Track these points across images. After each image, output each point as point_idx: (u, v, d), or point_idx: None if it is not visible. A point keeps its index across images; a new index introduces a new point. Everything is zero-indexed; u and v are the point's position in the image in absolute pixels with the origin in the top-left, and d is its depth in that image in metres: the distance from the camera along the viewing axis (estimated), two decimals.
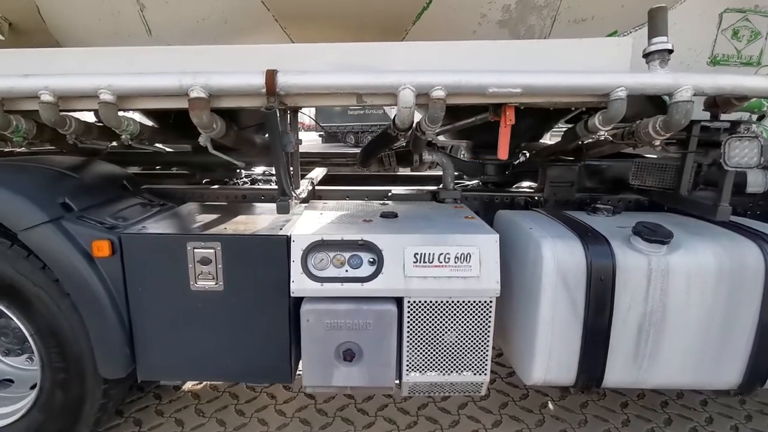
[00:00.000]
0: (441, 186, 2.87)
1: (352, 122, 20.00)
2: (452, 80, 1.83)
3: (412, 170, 3.28)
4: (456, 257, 1.99)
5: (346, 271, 2.02)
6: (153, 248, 2.06)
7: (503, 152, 2.03)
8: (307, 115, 14.47)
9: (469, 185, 3.37)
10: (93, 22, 2.38)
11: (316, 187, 3.03)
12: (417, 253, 1.99)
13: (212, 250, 2.04)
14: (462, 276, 1.99)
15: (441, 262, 1.99)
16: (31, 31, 2.62)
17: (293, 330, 2.12)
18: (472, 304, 2.02)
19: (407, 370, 2.10)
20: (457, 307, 2.02)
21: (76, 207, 2.13)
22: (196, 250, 2.04)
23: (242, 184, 3.53)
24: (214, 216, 2.37)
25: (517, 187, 3.26)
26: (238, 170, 3.57)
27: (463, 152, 3.61)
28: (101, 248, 2.01)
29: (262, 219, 2.33)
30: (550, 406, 2.93)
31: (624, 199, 2.89)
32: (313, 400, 2.98)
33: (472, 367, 2.10)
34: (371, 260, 2.03)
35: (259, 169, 3.88)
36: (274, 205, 2.65)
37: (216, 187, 3.17)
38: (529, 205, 2.87)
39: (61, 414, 2.20)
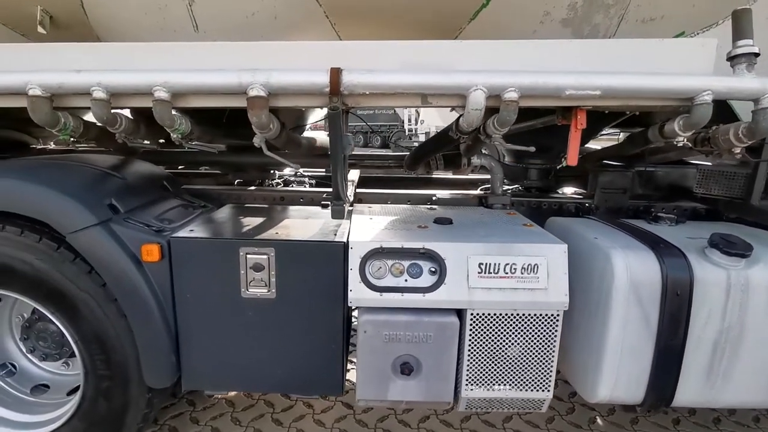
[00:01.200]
0: (489, 190, 2.76)
1: (360, 122, 19.85)
2: (529, 81, 1.73)
3: (453, 174, 3.18)
4: (523, 268, 1.89)
5: (406, 280, 1.93)
6: (203, 253, 1.97)
7: (573, 157, 1.93)
8: None
9: (509, 190, 3.27)
10: (139, 16, 2.30)
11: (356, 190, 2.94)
12: (482, 263, 1.89)
13: (265, 256, 1.95)
14: (529, 288, 1.89)
15: (507, 273, 1.89)
16: (71, 25, 2.54)
17: (345, 341, 2.03)
18: (538, 318, 1.91)
19: (466, 384, 2.00)
20: (523, 320, 1.92)
21: (121, 209, 2.05)
22: (248, 256, 1.95)
23: (275, 186, 3.44)
24: (259, 219, 2.28)
25: (561, 193, 3.16)
26: (271, 171, 3.49)
27: (503, 155, 3.50)
28: (151, 252, 1.92)
29: (310, 223, 2.24)
30: (599, 421, 2.82)
31: (679, 207, 2.77)
32: (351, 410, 2.88)
33: (535, 383, 2.00)
34: (432, 269, 1.93)
35: (283, 169, 3.80)
36: (317, 209, 2.58)
37: (252, 188, 3.08)
38: (580, 212, 2.76)
39: (103, 423, 2.12)
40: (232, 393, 3.04)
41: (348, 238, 1.94)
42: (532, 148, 2.18)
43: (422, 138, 18.09)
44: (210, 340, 2.06)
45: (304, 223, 2.25)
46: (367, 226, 2.14)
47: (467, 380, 1.99)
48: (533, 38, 2.15)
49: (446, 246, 1.91)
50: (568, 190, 3.23)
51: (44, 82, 1.80)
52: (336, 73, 1.74)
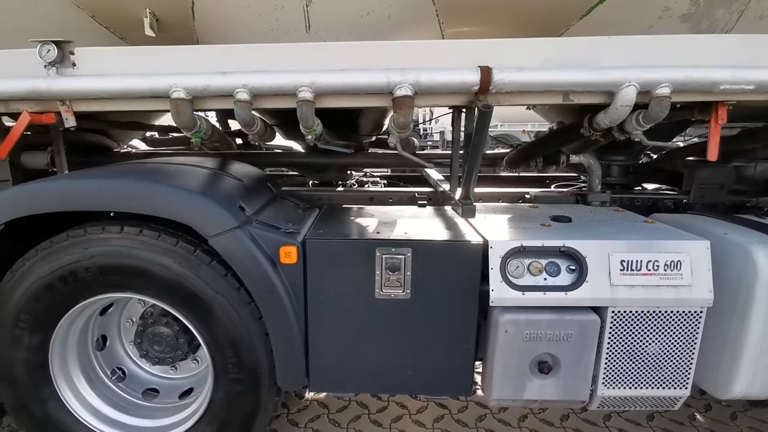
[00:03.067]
0: (586, 188, 2.74)
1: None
2: (683, 76, 1.71)
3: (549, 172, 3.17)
4: (666, 264, 1.88)
5: (545, 279, 1.91)
6: (339, 254, 1.96)
7: (713, 153, 1.91)
8: None
9: (584, 185, 3.27)
10: (252, 17, 2.29)
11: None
12: (624, 260, 1.88)
13: (402, 257, 1.94)
14: (672, 285, 1.87)
15: (649, 270, 1.88)
16: (173, 28, 2.53)
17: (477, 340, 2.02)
18: (681, 315, 1.90)
19: (603, 383, 1.98)
20: (665, 317, 1.90)
21: (248, 211, 2.04)
22: (385, 257, 1.94)
23: (351, 186, 3.44)
24: (373, 220, 2.26)
25: (641, 189, 3.14)
26: (348, 172, 3.48)
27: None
28: (289, 254, 1.91)
29: (429, 222, 2.22)
30: (699, 418, 2.80)
31: None
32: (447, 410, 2.87)
33: (672, 380, 1.99)
34: (571, 268, 1.92)
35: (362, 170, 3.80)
36: (420, 209, 2.57)
37: (341, 189, 3.07)
38: (679, 208, 2.75)
39: (231, 427, 2.10)
40: (322, 394, 3.03)
41: (487, 237, 1.93)
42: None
43: (437, 137, 18.05)
44: (340, 341, 2.05)
45: (421, 223, 2.24)
46: (491, 225, 2.12)
47: (604, 379, 1.98)
48: (648, 34, 2.14)
49: (587, 244, 1.90)
50: (651, 187, 3.22)
51: (189, 84, 1.80)
52: (487, 72, 1.73)
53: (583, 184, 3.41)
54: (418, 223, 2.21)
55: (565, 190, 2.89)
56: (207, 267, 1.93)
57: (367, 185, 3.48)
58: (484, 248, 1.92)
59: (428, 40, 1.89)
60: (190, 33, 2.53)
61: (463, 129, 2.14)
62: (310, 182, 3.47)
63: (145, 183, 1.87)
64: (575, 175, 3.52)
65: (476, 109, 1.75)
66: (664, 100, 1.74)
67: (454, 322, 2.00)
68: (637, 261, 1.88)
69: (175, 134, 3.62)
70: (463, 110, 2.10)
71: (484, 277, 1.93)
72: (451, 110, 2.21)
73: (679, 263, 1.87)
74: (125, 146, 3.70)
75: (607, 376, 1.97)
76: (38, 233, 1.97)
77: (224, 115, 3.50)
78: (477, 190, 2.97)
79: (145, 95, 1.84)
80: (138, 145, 4.21)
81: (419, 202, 2.78)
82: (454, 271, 1.95)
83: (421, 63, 1.83)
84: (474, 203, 2.03)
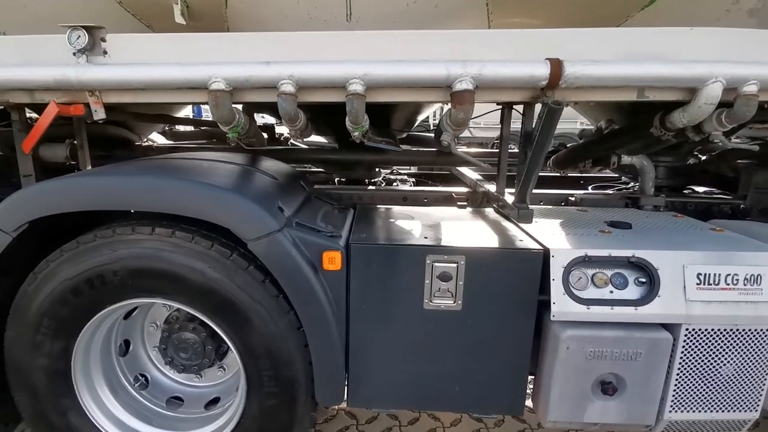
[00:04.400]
0: (637, 190, 2.58)
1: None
2: None
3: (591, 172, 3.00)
4: (745, 279, 1.72)
5: (611, 292, 1.76)
6: (386, 261, 1.81)
7: None
8: None
9: (631, 188, 3.10)
10: (290, 5, 2.14)
11: None
12: (701, 274, 1.72)
13: (454, 265, 1.79)
14: (752, 300, 1.71)
15: (728, 285, 1.72)
16: (203, 15, 2.38)
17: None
18: (759, 333, 1.74)
19: (671, 406, 1.82)
20: (743, 335, 1.74)
21: (287, 212, 1.89)
22: (435, 264, 1.79)
23: (380, 185, 3.28)
24: (415, 223, 2.11)
25: (690, 191, 2.97)
26: (376, 169, 3.32)
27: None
28: (333, 260, 1.77)
29: (476, 227, 2.07)
30: None
31: None
32: (483, 424, 2.72)
33: (743, 403, 1.83)
34: (640, 280, 1.76)
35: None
36: (459, 210, 2.42)
37: (372, 188, 2.92)
38: (737, 214, 2.58)
39: None
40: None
41: (547, 245, 1.77)
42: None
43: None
44: (382, 354, 1.90)
45: (468, 227, 2.08)
46: (545, 231, 1.97)
47: (673, 402, 1.82)
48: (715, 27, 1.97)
49: (659, 254, 1.74)
50: (701, 189, 3.04)
51: (230, 75, 1.65)
52: (557, 65, 1.57)
53: (623, 186, 3.25)
54: (465, 228, 2.05)
55: (611, 192, 2.72)
56: (243, 272, 1.78)
57: (395, 183, 3.33)
58: (544, 257, 1.76)
59: (492, 30, 1.73)
60: (221, 21, 2.39)
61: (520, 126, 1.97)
62: (335, 179, 3.32)
63: (184, 182, 1.71)
64: (615, 176, 3.35)
65: (544, 105, 1.59)
66: (752, 99, 1.57)
67: (508, 336, 1.85)
68: (715, 274, 1.72)
69: (203, 128, 3.47)
70: (509, 107, 1.93)
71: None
72: (499, 107, 2.05)
73: (759, 277, 1.72)
74: (145, 140, 3.56)
75: (675, 398, 1.82)
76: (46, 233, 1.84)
77: (251, 109, 3.35)
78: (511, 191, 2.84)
79: (182, 86, 1.69)
80: (155, 138, 4.09)
81: (458, 203, 2.62)
82: (511, 282, 1.80)
83: (479, 54, 1.67)
84: (531, 207, 1.86)
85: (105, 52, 1.72)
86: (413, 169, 3.91)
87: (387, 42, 1.68)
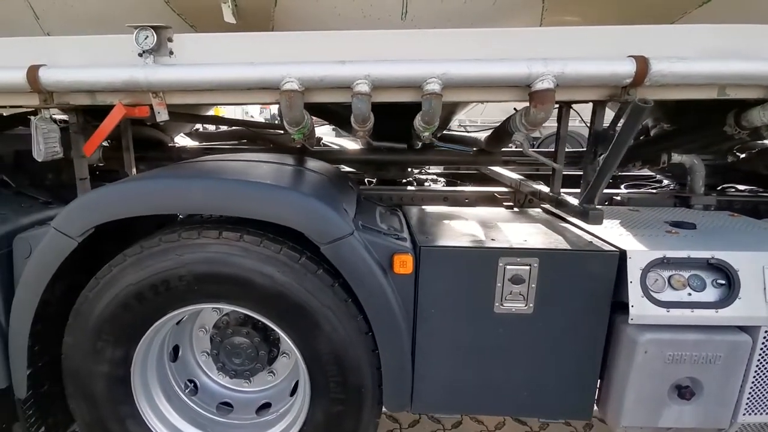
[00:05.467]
0: (688, 189, 2.55)
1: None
2: None
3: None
4: None
5: (689, 294, 1.72)
6: (456, 264, 1.77)
7: None
8: None
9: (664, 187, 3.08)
10: (343, 3, 2.09)
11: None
12: None
13: (527, 267, 1.75)
14: None
15: None
16: (250, 14, 2.33)
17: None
18: None
19: (746, 410, 1.79)
20: None
21: (350, 214, 1.85)
22: (508, 267, 1.75)
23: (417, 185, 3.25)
24: (473, 225, 2.07)
25: (730, 189, 2.94)
26: (409, 170, 3.29)
27: None
28: (405, 263, 1.73)
29: (538, 229, 2.03)
30: None
31: None
32: (528, 427, 2.69)
33: None
34: (718, 282, 1.72)
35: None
36: (500, 210, 2.38)
37: (413, 189, 2.89)
38: None
39: None
40: None
41: (623, 247, 1.74)
42: None
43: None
44: (449, 359, 1.87)
45: (531, 229, 2.05)
46: (613, 232, 1.94)
47: (747, 405, 1.79)
48: None
49: (739, 255, 1.71)
50: (742, 187, 3.01)
51: (304, 74, 1.60)
52: (643, 62, 1.54)
53: (658, 184, 3.22)
54: (526, 229, 2.02)
55: (656, 191, 2.69)
56: (313, 276, 1.74)
57: (426, 183, 3.29)
58: (622, 259, 1.72)
59: (570, 27, 1.69)
60: (267, 20, 2.34)
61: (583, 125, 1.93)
62: (366, 180, 3.29)
63: (257, 186, 1.67)
64: (650, 174, 3.33)
65: (627, 104, 1.55)
66: None
67: (580, 340, 1.81)
68: None
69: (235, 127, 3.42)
70: (568, 106, 1.90)
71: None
72: (558, 105, 2.02)
73: None
74: (174, 141, 3.52)
75: (750, 401, 1.78)
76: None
77: None
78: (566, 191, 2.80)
79: (253, 86, 1.65)
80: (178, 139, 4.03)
81: (504, 203, 2.59)
82: (585, 284, 1.77)
83: (558, 52, 1.63)
84: (601, 209, 1.83)
85: (171, 53, 1.68)
86: (440, 169, 3.88)
87: (464, 41, 1.64)
